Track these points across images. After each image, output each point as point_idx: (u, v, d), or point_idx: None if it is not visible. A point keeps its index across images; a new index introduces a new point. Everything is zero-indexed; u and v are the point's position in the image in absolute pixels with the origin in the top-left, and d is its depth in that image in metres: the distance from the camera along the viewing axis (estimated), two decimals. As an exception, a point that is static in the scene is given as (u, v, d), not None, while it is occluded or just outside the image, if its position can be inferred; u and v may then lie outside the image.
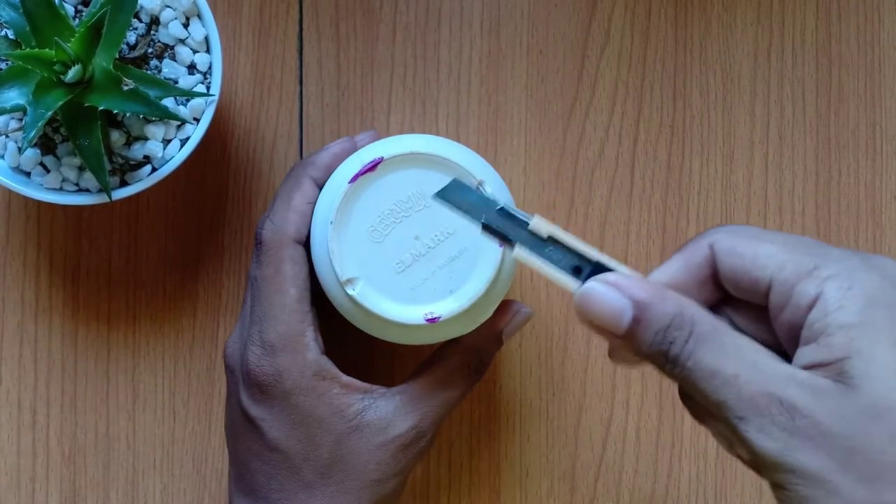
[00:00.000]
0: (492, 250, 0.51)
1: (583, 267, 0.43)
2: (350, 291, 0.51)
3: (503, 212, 0.44)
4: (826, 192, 0.63)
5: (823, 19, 0.63)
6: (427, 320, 0.51)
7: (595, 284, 0.42)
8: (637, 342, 0.42)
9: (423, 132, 0.62)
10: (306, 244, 0.53)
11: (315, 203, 0.53)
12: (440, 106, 0.62)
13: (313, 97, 0.62)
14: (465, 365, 0.54)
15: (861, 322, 0.39)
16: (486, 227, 0.44)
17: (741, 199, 0.62)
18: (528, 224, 0.43)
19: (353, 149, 0.55)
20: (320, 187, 0.54)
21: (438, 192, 0.45)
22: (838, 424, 0.38)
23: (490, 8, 0.62)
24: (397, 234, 0.51)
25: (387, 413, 0.53)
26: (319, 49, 0.62)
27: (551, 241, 0.43)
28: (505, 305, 0.54)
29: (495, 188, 0.52)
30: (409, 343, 0.53)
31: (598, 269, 0.43)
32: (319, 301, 0.54)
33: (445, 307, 0.51)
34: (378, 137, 0.55)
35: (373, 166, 0.51)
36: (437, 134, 0.62)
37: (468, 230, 0.47)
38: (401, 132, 0.62)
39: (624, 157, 0.62)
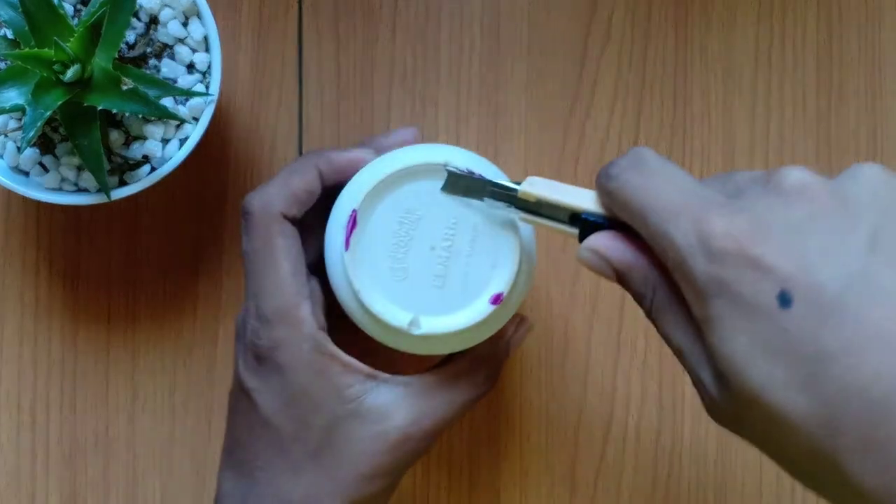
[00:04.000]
0: (509, 260, 0.50)
1: (576, 215, 0.45)
2: (416, 332, 0.50)
3: (497, 186, 0.48)
4: (826, 192, 0.63)
5: (824, 19, 0.63)
6: (492, 301, 0.50)
7: (586, 254, 0.44)
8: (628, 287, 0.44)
9: (423, 132, 0.62)
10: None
11: (314, 197, 0.52)
12: (440, 106, 0.62)
13: (313, 97, 0.62)
14: (475, 371, 0.53)
15: None
16: (492, 203, 0.48)
17: (741, 199, 0.62)
18: (517, 193, 0.47)
19: (369, 160, 0.53)
20: (326, 185, 0.52)
21: (443, 187, 0.49)
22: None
23: (490, 8, 0.62)
24: (415, 256, 0.50)
25: (388, 401, 0.51)
26: (319, 49, 0.62)
27: (539, 203, 0.46)
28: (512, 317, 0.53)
29: (480, 167, 0.51)
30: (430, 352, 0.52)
31: (589, 216, 0.45)
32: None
33: (500, 285, 0.50)
34: (410, 139, 0.54)
35: (352, 225, 0.50)
36: (437, 134, 0.62)
37: (469, 222, 0.49)
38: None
39: (624, 158, 0.62)
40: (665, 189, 0.41)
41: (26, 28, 0.50)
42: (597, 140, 0.62)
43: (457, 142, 0.62)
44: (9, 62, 0.53)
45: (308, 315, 0.51)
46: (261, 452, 0.51)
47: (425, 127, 0.62)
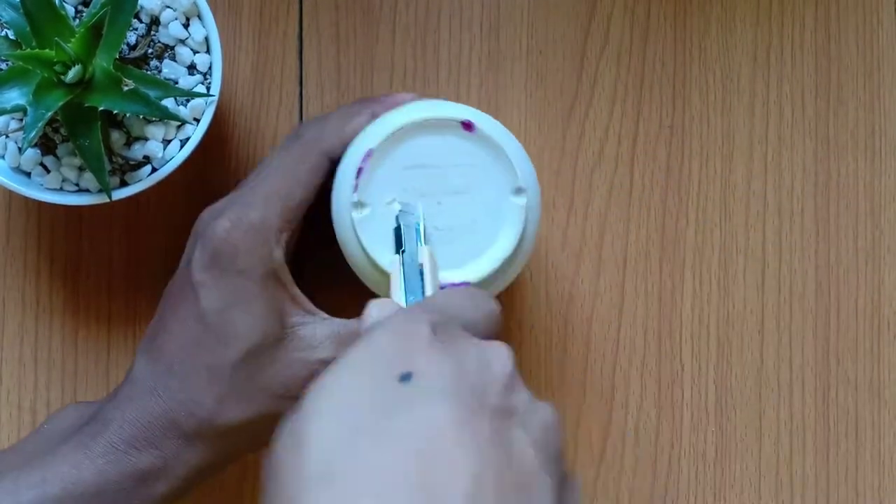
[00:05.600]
0: (513, 224, 0.51)
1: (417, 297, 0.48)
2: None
3: (416, 230, 0.50)
4: (825, 192, 0.63)
5: (822, 20, 0.63)
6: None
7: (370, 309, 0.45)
8: None
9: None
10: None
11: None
12: (440, 106, 0.62)
13: (313, 97, 0.62)
14: None
15: None
16: (396, 231, 0.50)
17: (740, 199, 0.63)
18: (419, 245, 0.49)
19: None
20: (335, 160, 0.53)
21: (398, 214, 0.50)
22: None
23: (490, 9, 0.62)
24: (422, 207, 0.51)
25: (321, 335, 0.52)
26: (319, 49, 0.62)
27: (420, 268, 0.48)
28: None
29: (520, 163, 0.51)
30: None
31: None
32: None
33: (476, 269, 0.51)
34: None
35: (361, 171, 0.51)
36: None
37: (481, 188, 0.51)
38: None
39: (623, 158, 0.62)
40: None
41: (27, 29, 0.50)
42: (596, 140, 0.62)
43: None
44: (10, 63, 0.53)
45: (284, 244, 0.52)
46: (184, 347, 0.51)
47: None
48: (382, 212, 0.51)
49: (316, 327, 0.52)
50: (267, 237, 0.51)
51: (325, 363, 0.49)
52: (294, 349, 0.51)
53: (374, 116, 0.53)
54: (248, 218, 0.51)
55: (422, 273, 0.49)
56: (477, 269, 0.51)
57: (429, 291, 0.48)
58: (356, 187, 0.50)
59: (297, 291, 0.53)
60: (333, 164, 0.53)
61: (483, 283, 0.51)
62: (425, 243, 0.50)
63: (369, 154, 0.50)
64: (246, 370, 0.51)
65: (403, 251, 0.49)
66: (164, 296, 0.54)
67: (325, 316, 0.53)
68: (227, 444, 0.52)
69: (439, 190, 0.51)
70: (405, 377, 0.37)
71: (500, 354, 0.40)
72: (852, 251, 0.63)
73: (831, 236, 0.63)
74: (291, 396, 0.51)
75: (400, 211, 0.50)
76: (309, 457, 0.35)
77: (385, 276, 0.50)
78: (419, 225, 0.50)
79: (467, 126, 0.51)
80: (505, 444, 0.36)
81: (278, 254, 0.52)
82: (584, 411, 0.62)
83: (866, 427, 0.63)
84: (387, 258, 0.50)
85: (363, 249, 0.51)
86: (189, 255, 0.53)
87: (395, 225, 0.50)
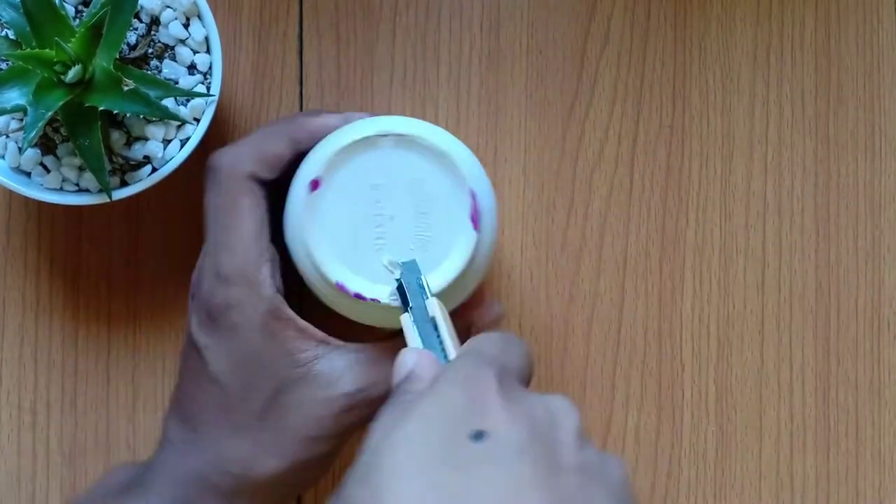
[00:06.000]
0: (466, 233, 0.50)
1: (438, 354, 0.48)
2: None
3: (419, 284, 0.49)
4: (825, 192, 0.63)
5: (822, 20, 0.63)
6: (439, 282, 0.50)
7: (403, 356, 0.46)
8: None
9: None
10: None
11: (283, 163, 0.52)
12: (440, 107, 0.62)
13: (313, 98, 0.62)
14: None
15: None
16: (400, 289, 0.50)
17: (740, 199, 0.63)
18: (425, 299, 0.49)
19: (338, 125, 0.53)
20: (297, 150, 0.52)
21: (399, 272, 0.50)
22: None
23: (490, 9, 0.62)
24: (373, 224, 0.50)
25: (338, 367, 0.50)
26: (319, 50, 0.62)
27: (433, 321, 0.48)
28: (479, 297, 0.53)
29: (469, 168, 0.51)
30: (382, 325, 0.52)
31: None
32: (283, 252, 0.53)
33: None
34: None
35: (313, 189, 0.50)
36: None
37: (440, 211, 0.50)
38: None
39: (623, 158, 0.62)
40: None
41: (28, 29, 0.50)
42: (596, 140, 0.62)
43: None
44: (10, 63, 0.53)
45: (267, 277, 0.50)
46: (207, 408, 0.51)
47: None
48: (337, 230, 0.50)
49: (333, 360, 0.50)
50: (251, 279, 0.50)
51: (350, 396, 0.50)
52: (315, 387, 0.50)
53: (295, 141, 0.52)
54: (223, 269, 0.50)
55: (435, 326, 0.48)
56: (435, 281, 0.50)
57: (448, 342, 0.47)
58: (306, 208, 0.50)
59: (302, 323, 0.51)
60: (265, 183, 0.52)
61: (445, 294, 0.50)
62: (431, 296, 0.49)
63: (316, 183, 0.50)
64: (272, 420, 0.50)
65: (411, 308, 0.49)
66: (180, 360, 0.53)
67: (339, 343, 0.51)
68: (268, 497, 0.51)
69: (391, 206, 0.50)
70: (479, 435, 0.37)
71: (566, 408, 0.40)
72: (852, 251, 0.63)
73: (831, 236, 0.63)
74: (322, 438, 0.50)
75: (401, 269, 0.50)
76: None
77: (339, 295, 0.50)
78: (421, 279, 0.49)
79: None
80: (588, 501, 0.36)
81: (269, 290, 0.50)
82: (584, 411, 0.62)
83: (866, 427, 0.63)
84: (340, 274, 0.50)
85: (318, 270, 0.50)
86: (189, 316, 0.52)
87: (395, 283, 0.50)
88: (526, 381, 0.43)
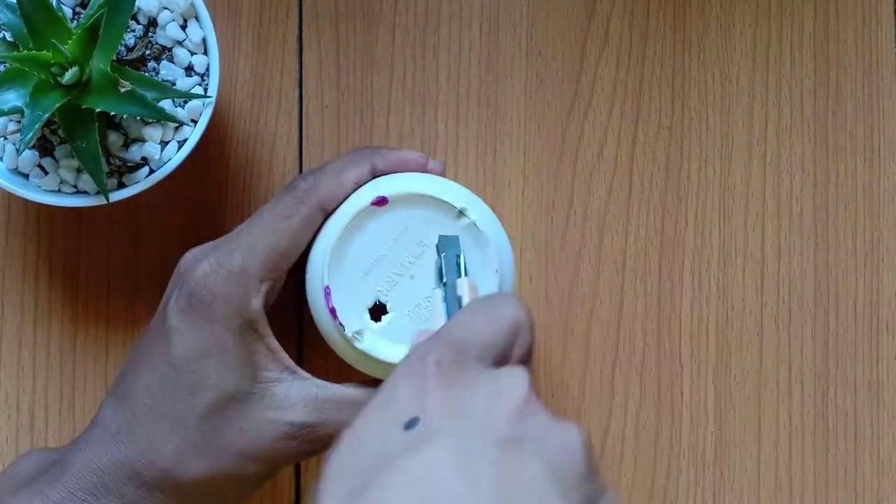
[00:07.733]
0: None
1: None
2: (357, 345, 0.51)
3: (457, 262, 0.50)
4: (824, 193, 0.63)
5: (821, 21, 0.63)
6: None
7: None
8: None
9: (423, 134, 0.62)
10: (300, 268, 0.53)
11: (361, 184, 0.53)
12: (439, 107, 0.62)
13: (313, 99, 0.62)
14: None
15: None
16: (437, 263, 0.50)
17: (739, 200, 0.62)
18: (459, 277, 0.49)
19: (422, 166, 0.54)
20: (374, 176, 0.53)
21: (437, 245, 0.51)
22: None
23: (489, 10, 0.62)
24: (393, 276, 0.52)
25: (295, 396, 0.50)
26: (319, 51, 0.62)
27: (460, 301, 0.48)
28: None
29: (484, 221, 0.52)
30: (358, 366, 0.53)
31: None
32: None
33: None
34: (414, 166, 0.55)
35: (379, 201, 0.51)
36: (437, 135, 0.62)
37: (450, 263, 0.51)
38: (400, 134, 0.62)
39: (622, 159, 0.62)
40: None
41: (24, 30, 0.50)
42: (595, 141, 0.62)
43: (456, 142, 0.62)
44: (7, 64, 0.53)
45: (264, 294, 0.51)
46: (152, 392, 0.50)
47: (425, 127, 0.62)
48: (355, 285, 0.51)
49: (291, 387, 0.50)
50: (246, 286, 0.50)
51: (294, 426, 0.49)
52: (264, 407, 0.50)
53: (375, 170, 0.53)
54: (228, 265, 0.51)
55: (461, 305, 0.48)
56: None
57: None
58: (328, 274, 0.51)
59: (275, 344, 0.51)
60: (328, 217, 0.52)
61: None
62: (465, 275, 0.49)
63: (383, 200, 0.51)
64: (212, 423, 0.50)
65: (445, 283, 0.49)
66: (142, 338, 0.53)
67: (304, 375, 0.51)
68: (187, 499, 0.50)
69: (419, 266, 0.51)
70: (411, 423, 0.37)
71: (512, 381, 0.39)
72: (851, 252, 0.63)
73: (830, 237, 0.63)
74: (255, 458, 0.50)
75: (439, 242, 0.50)
76: None
77: (356, 351, 0.51)
78: (459, 257, 0.50)
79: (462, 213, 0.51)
80: (510, 475, 0.35)
81: (257, 304, 0.50)
82: (583, 412, 0.62)
83: (865, 428, 0.63)
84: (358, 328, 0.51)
85: (342, 334, 0.51)
86: (168, 296, 0.52)
87: (435, 259, 0.50)
88: (502, 353, 0.41)
